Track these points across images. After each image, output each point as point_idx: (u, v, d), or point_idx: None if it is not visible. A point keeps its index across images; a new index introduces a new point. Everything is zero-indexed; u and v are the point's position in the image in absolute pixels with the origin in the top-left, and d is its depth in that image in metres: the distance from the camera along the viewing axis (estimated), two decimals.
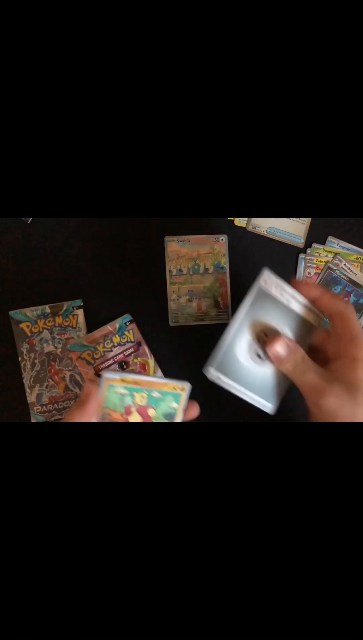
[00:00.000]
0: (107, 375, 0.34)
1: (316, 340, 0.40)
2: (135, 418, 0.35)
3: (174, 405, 0.36)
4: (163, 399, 0.35)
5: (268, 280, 0.39)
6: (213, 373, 0.37)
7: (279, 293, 0.38)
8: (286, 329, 0.39)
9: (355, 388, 0.33)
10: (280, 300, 0.38)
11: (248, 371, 0.38)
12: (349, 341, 0.35)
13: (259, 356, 0.38)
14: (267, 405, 0.39)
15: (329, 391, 0.33)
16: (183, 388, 0.35)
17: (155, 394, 0.35)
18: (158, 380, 0.35)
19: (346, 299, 0.54)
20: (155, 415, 0.35)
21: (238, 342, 0.38)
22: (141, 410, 0.35)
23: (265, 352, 0.37)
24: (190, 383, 0.36)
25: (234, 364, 0.37)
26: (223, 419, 0.54)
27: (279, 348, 0.36)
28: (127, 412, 0.35)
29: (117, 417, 0.35)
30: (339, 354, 0.36)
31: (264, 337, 0.38)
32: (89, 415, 0.34)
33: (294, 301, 0.38)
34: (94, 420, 0.34)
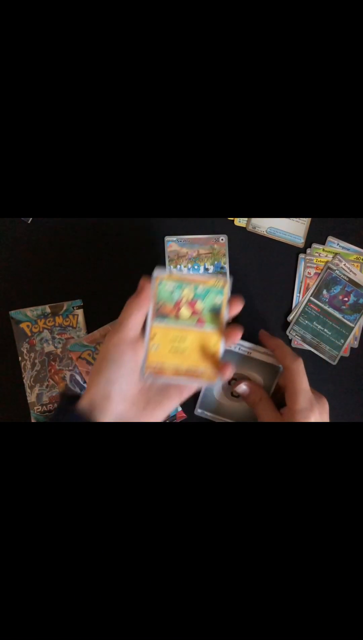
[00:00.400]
0: (156, 273, 0.39)
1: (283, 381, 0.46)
2: (185, 311, 0.40)
3: (219, 299, 0.40)
4: (208, 294, 0.40)
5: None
6: (199, 411, 0.49)
7: (238, 349, 0.47)
8: (254, 373, 0.47)
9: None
10: (241, 353, 0.47)
11: (226, 406, 0.48)
12: (291, 394, 0.41)
13: (232, 394, 0.48)
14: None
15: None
16: (224, 283, 0.40)
17: (200, 289, 0.40)
18: (200, 277, 0.40)
19: (346, 299, 0.54)
20: (202, 307, 0.40)
21: (215, 387, 0.49)
22: (190, 304, 0.40)
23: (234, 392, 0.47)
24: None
25: (214, 402, 0.49)
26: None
27: (239, 390, 0.46)
28: (177, 306, 0.40)
29: (169, 310, 0.40)
30: (287, 403, 0.41)
31: (233, 380, 0.48)
32: (145, 305, 0.39)
33: (255, 352, 0.47)
34: (146, 313, 0.39)
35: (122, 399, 0.37)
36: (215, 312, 0.40)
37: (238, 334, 0.39)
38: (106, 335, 0.39)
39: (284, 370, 0.43)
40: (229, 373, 0.39)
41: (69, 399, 0.38)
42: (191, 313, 0.40)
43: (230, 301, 0.40)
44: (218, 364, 0.39)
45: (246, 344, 0.47)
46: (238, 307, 0.40)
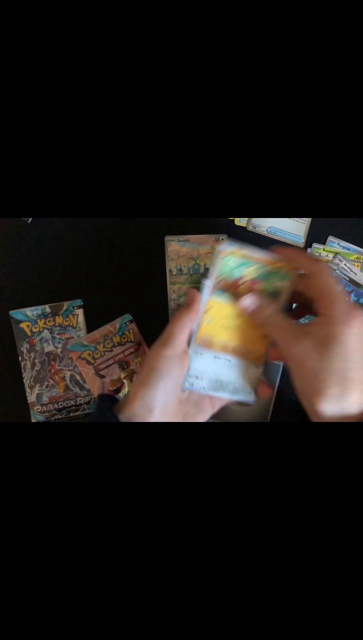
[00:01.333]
0: (221, 247, 0.38)
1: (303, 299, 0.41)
2: (244, 289, 0.39)
3: (281, 284, 0.38)
4: (271, 276, 0.38)
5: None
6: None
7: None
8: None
9: (322, 343, 0.34)
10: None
11: (234, 412, 0.44)
12: (324, 299, 0.36)
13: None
14: (247, 399, 0.41)
15: (296, 342, 0.35)
16: (290, 269, 0.38)
17: (264, 270, 0.38)
18: (266, 257, 0.38)
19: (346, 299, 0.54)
20: (262, 289, 0.39)
21: (249, 403, 0.41)
22: (250, 284, 0.39)
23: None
24: None
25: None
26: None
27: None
28: (236, 283, 0.39)
29: (228, 286, 0.39)
30: (318, 313, 0.37)
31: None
32: (194, 318, 0.38)
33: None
34: (194, 323, 0.38)
35: (164, 412, 0.37)
36: (275, 296, 0.39)
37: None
38: (151, 349, 0.38)
39: (310, 278, 0.38)
40: (267, 394, 0.39)
41: (107, 402, 0.37)
42: (249, 293, 0.38)
43: (294, 288, 0.38)
44: (265, 353, 0.39)
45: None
46: (302, 295, 0.38)
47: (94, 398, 0.54)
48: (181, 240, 0.55)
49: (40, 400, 0.54)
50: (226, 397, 0.40)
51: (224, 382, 0.39)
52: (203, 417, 0.40)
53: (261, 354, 0.40)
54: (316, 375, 0.34)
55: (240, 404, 0.42)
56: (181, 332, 0.37)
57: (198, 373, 0.39)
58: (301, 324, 0.38)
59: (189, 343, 0.38)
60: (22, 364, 0.54)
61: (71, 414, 0.55)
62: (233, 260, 0.38)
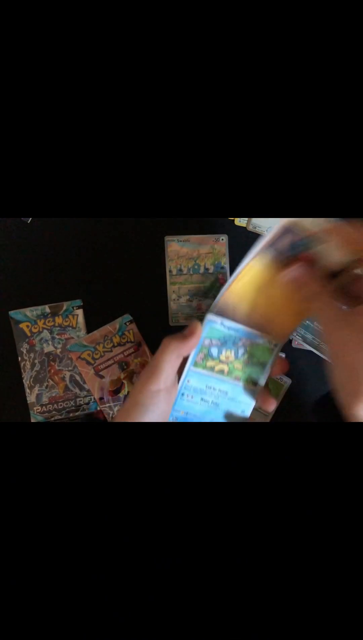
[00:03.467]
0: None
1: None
2: (296, 260, 0.34)
3: (339, 262, 0.33)
4: (331, 253, 0.33)
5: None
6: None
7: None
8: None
9: None
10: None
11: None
12: None
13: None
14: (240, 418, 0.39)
15: (339, 330, 0.31)
16: (357, 250, 0.33)
17: (324, 246, 0.33)
18: (332, 231, 0.33)
19: None
20: (318, 263, 0.34)
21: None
22: (305, 256, 0.34)
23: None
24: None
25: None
26: None
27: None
28: (289, 257, 0.34)
29: (279, 258, 0.34)
30: None
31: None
32: (186, 351, 0.35)
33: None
34: (186, 355, 0.35)
35: None
36: (330, 274, 0.34)
37: (284, 367, 0.37)
38: (137, 381, 0.36)
39: None
40: (285, 369, 0.36)
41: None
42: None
43: (277, 363, 0.37)
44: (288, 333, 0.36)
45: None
46: (282, 369, 0.37)
47: (94, 398, 0.54)
48: (181, 240, 0.55)
49: (40, 400, 0.54)
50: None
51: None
52: None
53: (286, 332, 0.36)
54: (356, 373, 0.29)
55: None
56: (169, 365, 0.34)
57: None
58: (346, 310, 0.32)
59: (179, 375, 0.36)
60: (22, 364, 0.54)
61: (71, 415, 0.55)
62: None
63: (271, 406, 0.37)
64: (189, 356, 0.36)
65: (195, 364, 0.37)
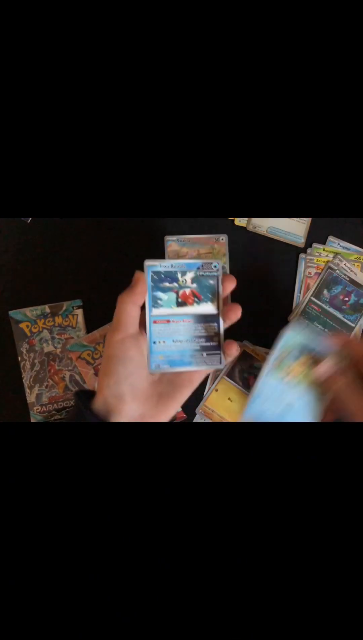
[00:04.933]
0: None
1: None
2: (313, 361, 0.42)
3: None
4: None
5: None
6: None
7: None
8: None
9: None
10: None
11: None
12: None
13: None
14: (217, 365, 0.40)
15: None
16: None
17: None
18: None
19: (346, 299, 0.54)
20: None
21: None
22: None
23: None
24: None
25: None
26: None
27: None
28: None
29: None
30: None
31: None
32: (140, 299, 0.38)
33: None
34: (139, 304, 0.38)
35: (135, 396, 0.36)
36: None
37: (237, 310, 0.39)
38: (105, 335, 0.39)
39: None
40: (234, 351, 0.38)
41: (85, 398, 0.37)
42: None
43: (224, 280, 0.39)
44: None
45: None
46: (231, 284, 0.39)
47: None
48: (181, 240, 0.55)
49: (40, 400, 0.54)
50: (197, 369, 0.39)
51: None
52: (181, 394, 0.39)
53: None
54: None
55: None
56: (127, 314, 0.37)
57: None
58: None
59: (141, 323, 0.38)
60: (22, 364, 0.54)
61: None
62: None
63: (232, 350, 0.39)
64: (146, 303, 0.38)
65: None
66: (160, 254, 0.55)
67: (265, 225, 0.56)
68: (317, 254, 0.55)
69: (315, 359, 0.42)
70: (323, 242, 0.56)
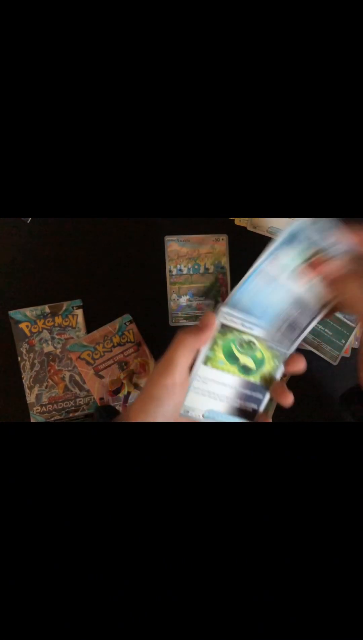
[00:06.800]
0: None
1: None
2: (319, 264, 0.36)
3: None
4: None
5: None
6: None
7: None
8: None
9: None
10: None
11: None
12: None
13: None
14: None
15: None
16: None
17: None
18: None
19: None
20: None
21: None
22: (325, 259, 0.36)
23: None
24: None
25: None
26: None
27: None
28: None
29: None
30: None
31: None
32: (200, 345, 0.35)
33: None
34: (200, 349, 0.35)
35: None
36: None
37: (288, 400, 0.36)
38: (151, 375, 0.35)
39: None
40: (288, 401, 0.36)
41: (104, 416, 0.36)
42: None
43: (290, 360, 0.37)
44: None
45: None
46: (298, 366, 0.37)
47: (94, 398, 0.54)
48: (181, 240, 0.55)
49: (40, 400, 0.54)
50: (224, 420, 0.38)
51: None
52: None
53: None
54: None
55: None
56: (183, 359, 0.34)
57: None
58: None
59: (191, 368, 0.36)
60: (22, 364, 0.54)
61: (71, 415, 0.54)
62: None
63: (289, 399, 0.36)
64: (201, 351, 0.36)
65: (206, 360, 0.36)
66: (160, 254, 0.55)
67: (265, 225, 0.56)
68: None
69: (324, 257, 0.37)
70: None
